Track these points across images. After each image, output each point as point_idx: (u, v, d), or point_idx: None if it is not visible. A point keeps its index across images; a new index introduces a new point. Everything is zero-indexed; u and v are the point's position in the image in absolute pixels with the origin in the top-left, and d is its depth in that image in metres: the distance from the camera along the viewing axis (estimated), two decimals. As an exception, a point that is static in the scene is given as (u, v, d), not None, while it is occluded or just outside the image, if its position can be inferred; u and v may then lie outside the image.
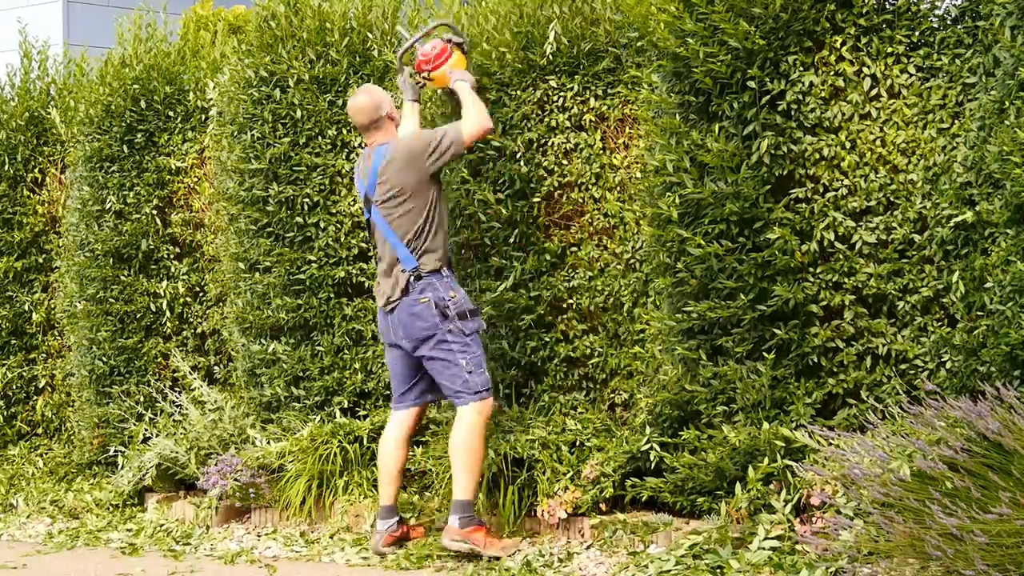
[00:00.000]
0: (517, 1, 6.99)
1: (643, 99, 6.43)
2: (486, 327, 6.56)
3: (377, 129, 6.59)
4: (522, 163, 6.95)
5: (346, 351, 7.70)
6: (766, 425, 5.81)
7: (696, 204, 6.00)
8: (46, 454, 9.24)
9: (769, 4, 5.83)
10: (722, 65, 5.86)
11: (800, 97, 5.86)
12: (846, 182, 5.86)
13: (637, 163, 6.70)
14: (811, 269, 5.90)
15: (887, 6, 5.85)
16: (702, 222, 5.99)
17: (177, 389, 8.46)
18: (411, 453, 7.13)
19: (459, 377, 6.30)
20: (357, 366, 7.67)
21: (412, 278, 6.38)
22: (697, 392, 6.08)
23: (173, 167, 8.62)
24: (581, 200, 6.92)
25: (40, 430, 9.49)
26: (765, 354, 5.91)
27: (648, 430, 6.31)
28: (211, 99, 8.29)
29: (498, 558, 6.20)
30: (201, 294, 8.62)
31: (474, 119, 6.42)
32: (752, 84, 5.86)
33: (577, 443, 6.56)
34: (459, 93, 6.58)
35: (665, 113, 6.17)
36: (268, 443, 7.52)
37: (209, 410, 8.08)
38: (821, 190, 5.90)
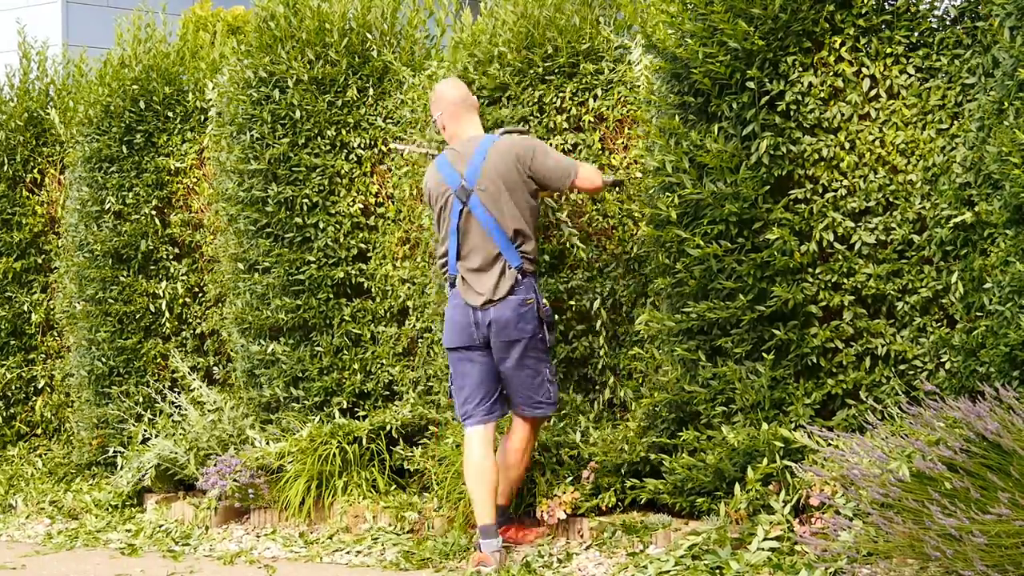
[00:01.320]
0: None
1: (642, 99, 6.43)
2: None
3: (471, 117, 6.35)
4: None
5: (345, 352, 7.70)
6: (765, 426, 5.81)
7: (695, 205, 6.00)
8: (45, 455, 9.24)
9: (768, 5, 5.83)
10: (721, 66, 5.86)
11: (799, 98, 5.87)
12: (845, 183, 5.86)
13: (636, 163, 6.70)
14: (810, 270, 5.90)
15: (886, 7, 5.85)
16: (701, 223, 5.99)
17: (176, 390, 8.46)
18: (410, 454, 7.13)
19: (543, 387, 6.17)
20: (356, 367, 7.67)
21: (519, 276, 6.13)
22: (696, 393, 6.08)
23: (172, 168, 8.62)
24: (580, 201, 6.92)
25: (39, 431, 9.49)
26: (764, 355, 5.90)
27: (647, 432, 6.31)
28: (210, 100, 8.30)
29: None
30: (200, 295, 8.62)
31: (590, 173, 6.27)
32: (751, 85, 5.86)
33: (576, 445, 6.56)
34: None
35: (664, 114, 6.17)
36: (267, 444, 7.53)
37: (208, 411, 8.08)
38: (820, 191, 5.90)
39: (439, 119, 6.38)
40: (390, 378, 7.70)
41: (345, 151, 7.76)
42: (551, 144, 6.94)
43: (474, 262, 6.15)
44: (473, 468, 6.09)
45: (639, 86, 6.61)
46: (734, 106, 5.90)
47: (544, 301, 6.18)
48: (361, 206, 7.75)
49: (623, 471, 6.33)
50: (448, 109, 6.35)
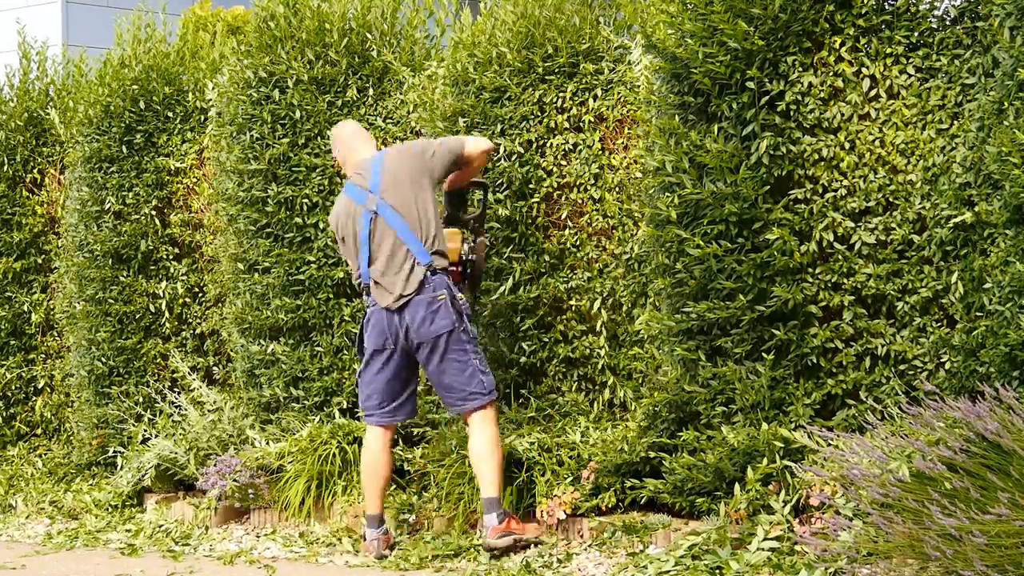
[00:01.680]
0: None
1: (642, 99, 6.43)
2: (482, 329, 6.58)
3: (365, 144, 6.66)
4: (518, 164, 6.96)
5: (345, 352, 7.70)
6: (765, 426, 5.81)
7: (695, 205, 6.00)
8: (45, 455, 9.24)
9: (768, 5, 5.83)
10: (721, 66, 5.86)
11: (799, 98, 5.86)
12: (845, 183, 5.85)
13: (636, 163, 6.70)
14: (810, 270, 5.89)
15: (886, 7, 5.85)
16: (701, 223, 5.99)
17: (176, 390, 8.46)
18: (410, 455, 7.13)
19: (475, 377, 6.26)
20: (356, 367, 7.66)
21: (428, 273, 6.27)
22: (696, 393, 6.08)
23: (172, 168, 8.62)
24: (580, 201, 6.92)
25: (39, 431, 9.49)
26: (764, 355, 5.90)
27: (647, 432, 6.31)
28: (210, 100, 8.30)
29: (541, 542, 6.29)
30: (200, 295, 8.62)
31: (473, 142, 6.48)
32: (751, 85, 5.86)
33: (576, 445, 6.56)
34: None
35: (664, 114, 6.17)
36: (267, 444, 7.53)
37: (208, 411, 8.08)
38: (820, 191, 5.90)
39: (338, 157, 6.73)
40: (390, 378, 7.69)
41: (345, 151, 7.76)
42: (550, 145, 6.95)
43: (381, 264, 6.35)
44: (366, 464, 6.53)
45: (639, 86, 6.61)
46: (734, 106, 5.90)
47: (460, 295, 6.29)
48: (361, 206, 7.74)
49: (623, 471, 6.33)
50: (344, 144, 6.68)
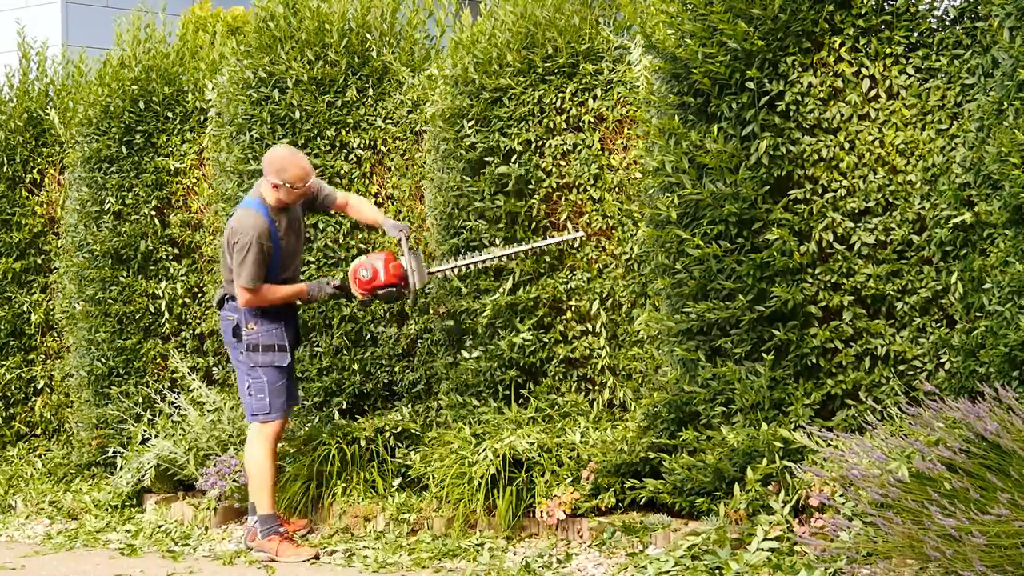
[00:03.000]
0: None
1: (642, 99, 6.43)
2: (284, 363, 6.82)
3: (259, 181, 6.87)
4: (518, 164, 6.96)
5: (345, 352, 7.70)
6: (764, 426, 5.81)
7: (695, 205, 6.00)
8: (45, 455, 9.23)
9: (768, 5, 5.83)
10: (720, 66, 5.86)
11: (799, 98, 5.86)
12: (845, 183, 5.85)
13: (635, 164, 6.70)
14: (810, 270, 5.89)
15: (886, 7, 5.85)
16: (701, 223, 5.99)
17: (176, 390, 8.45)
18: (410, 461, 7.12)
19: (243, 395, 6.89)
20: (356, 367, 7.67)
21: (227, 297, 6.90)
22: (696, 393, 6.08)
23: (172, 168, 8.62)
24: (579, 201, 6.92)
25: (39, 431, 9.49)
26: (764, 355, 5.90)
27: (647, 432, 6.31)
28: (210, 100, 8.29)
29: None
30: (200, 295, 8.62)
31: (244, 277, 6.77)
32: (751, 85, 5.86)
33: (576, 446, 6.56)
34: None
35: (664, 114, 6.17)
36: (267, 444, 7.52)
37: (208, 411, 8.08)
38: (820, 191, 5.90)
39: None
40: (389, 379, 7.70)
41: (345, 152, 7.77)
42: (550, 145, 6.94)
43: None
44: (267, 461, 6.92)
45: (639, 86, 6.61)
46: (733, 106, 5.90)
47: (251, 325, 6.80)
48: (361, 206, 7.74)
49: (622, 471, 6.33)
50: (305, 179, 6.78)
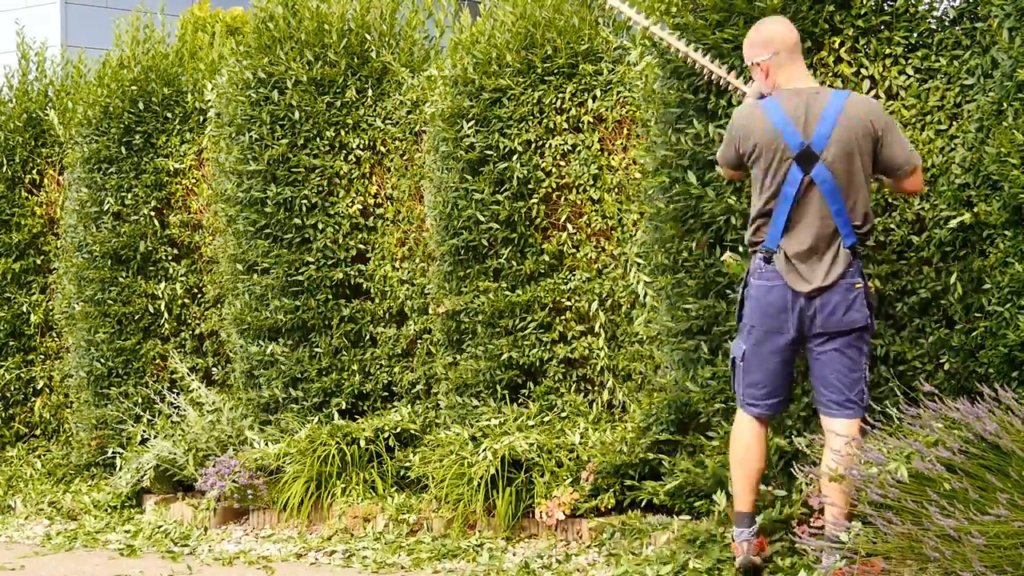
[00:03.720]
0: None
1: (642, 98, 6.43)
2: None
3: (802, 64, 5.39)
4: (519, 164, 6.96)
5: (344, 352, 7.70)
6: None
7: (695, 202, 6.00)
8: (44, 455, 9.23)
9: (768, 4, 5.82)
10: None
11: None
12: (844, 183, 5.84)
13: (635, 164, 6.70)
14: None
15: (885, 8, 5.85)
16: (700, 220, 5.98)
17: (175, 391, 8.45)
18: (409, 462, 7.11)
19: (858, 384, 5.30)
20: (355, 367, 7.67)
21: (852, 258, 5.26)
22: (695, 392, 6.08)
23: (171, 168, 8.62)
24: (579, 201, 6.92)
25: (38, 431, 9.49)
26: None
27: (646, 433, 6.31)
28: (209, 100, 8.29)
29: None
30: (199, 295, 8.62)
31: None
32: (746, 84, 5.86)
33: (575, 446, 6.56)
34: None
35: (664, 112, 6.16)
36: (266, 444, 7.52)
37: (207, 411, 8.08)
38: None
39: (764, 59, 5.33)
40: (389, 379, 7.70)
41: (344, 152, 7.77)
42: (550, 146, 6.95)
43: (801, 241, 5.27)
44: (740, 458, 5.52)
45: (639, 86, 6.61)
46: (732, 104, 5.89)
47: (870, 285, 5.45)
48: (360, 207, 7.75)
49: (622, 472, 6.33)
50: (786, 50, 5.33)
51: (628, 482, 6.28)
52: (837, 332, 5.26)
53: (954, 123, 5.66)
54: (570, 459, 6.51)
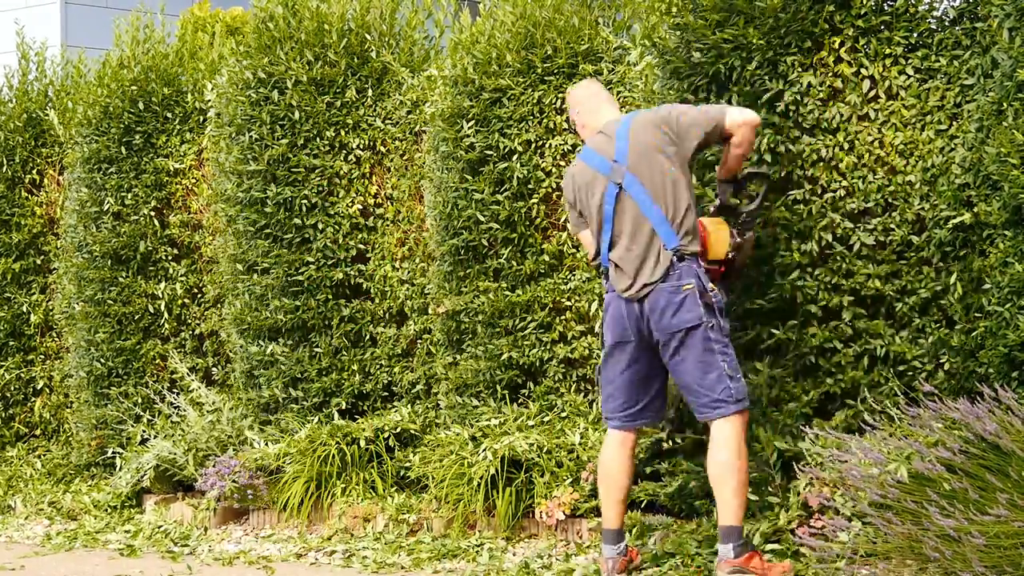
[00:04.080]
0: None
1: (642, 97, 6.43)
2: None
3: (608, 106, 5.78)
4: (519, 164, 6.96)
5: (344, 352, 7.70)
6: (763, 432, 5.81)
7: (695, 200, 5.99)
8: (44, 455, 9.23)
9: (768, 4, 5.82)
10: (721, 64, 5.86)
11: (798, 97, 5.86)
12: (844, 183, 5.85)
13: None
14: (810, 270, 5.89)
15: (885, 7, 5.85)
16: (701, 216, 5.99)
17: (175, 391, 8.45)
18: (409, 462, 7.12)
19: (721, 383, 5.38)
20: (355, 367, 7.67)
21: (675, 259, 5.44)
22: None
23: (171, 168, 8.62)
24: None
25: (38, 431, 9.49)
26: (763, 353, 5.90)
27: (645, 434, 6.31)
28: (209, 100, 8.29)
29: None
30: (199, 295, 8.62)
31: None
32: (751, 83, 5.85)
33: (575, 447, 6.55)
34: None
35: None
36: (266, 444, 7.52)
37: (207, 411, 8.08)
38: (819, 191, 5.89)
39: (576, 119, 5.84)
40: (389, 379, 7.70)
41: (344, 152, 7.77)
42: (550, 146, 6.95)
43: (624, 247, 5.53)
44: (603, 473, 5.70)
45: (639, 86, 6.61)
46: (733, 103, 5.89)
47: (711, 285, 5.45)
48: (360, 207, 7.75)
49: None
50: (584, 105, 5.79)
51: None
52: (673, 335, 5.43)
53: (954, 123, 5.66)
54: (570, 459, 6.51)
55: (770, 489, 5.74)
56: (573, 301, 6.92)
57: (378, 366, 7.70)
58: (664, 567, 5.68)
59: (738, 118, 5.45)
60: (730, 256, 5.69)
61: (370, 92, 7.77)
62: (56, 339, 9.41)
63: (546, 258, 6.96)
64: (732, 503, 5.32)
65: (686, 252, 5.45)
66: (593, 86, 5.88)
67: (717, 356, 5.39)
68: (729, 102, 5.89)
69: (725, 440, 5.37)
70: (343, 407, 7.66)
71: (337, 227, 7.70)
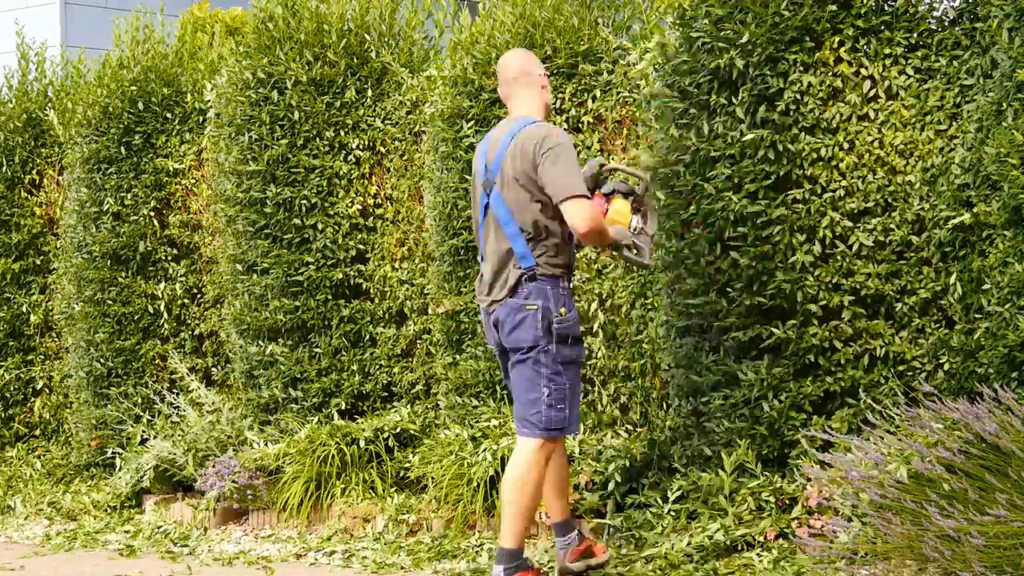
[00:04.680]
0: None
1: (643, 97, 6.43)
2: (583, 358, 5.59)
3: (524, 89, 5.56)
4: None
5: (344, 352, 7.70)
6: (763, 432, 5.81)
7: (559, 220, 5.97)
8: (44, 456, 9.23)
9: (771, 2, 5.82)
10: (723, 61, 5.86)
11: (798, 97, 5.86)
12: (844, 183, 5.85)
13: (635, 164, 6.69)
14: (809, 269, 5.89)
15: (885, 8, 5.85)
16: (701, 216, 5.99)
17: (175, 391, 8.45)
18: (409, 463, 7.11)
19: (535, 406, 5.39)
20: (355, 368, 7.67)
21: (524, 278, 5.41)
22: (696, 383, 6.08)
23: (171, 169, 8.62)
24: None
25: (38, 432, 9.49)
26: (763, 353, 5.90)
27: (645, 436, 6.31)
28: (209, 101, 8.29)
29: None
30: (199, 296, 8.62)
31: (581, 218, 5.28)
32: (752, 81, 5.86)
33: (575, 447, 6.55)
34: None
35: (666, 110, 6.16)
36: (266, 445, 7.52)
37: (207, 412, 8.08)
38: (819, 191, 5.89)
39: (500, 87, 5.69)
40: (388, 380, 7.70)
41: (344, 152, 7.76)
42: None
43: (488, 259, 5.54)
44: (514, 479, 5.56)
45: (639, 86, 6.61)
46: (733, 101, 5.89)
47: (563, 310, 5.38)
48: (360, 207, 7.75)
49: (623, 475, 6.32)
50: (505, 83, 5.63)
51: (632, 484, 6.28)
52: (512, 350, 5.44)
53: (954, 123, 5.66)
54: (570, 459, 6.51)
55: (770, 490, 5.74)
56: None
57: (378, 366, 7.70)
58: None
59: (572, 219, 5.27)
60: (637, 230, 5.55)
61: (370, 92, 7.77)
62: (56, 339, 9.41)
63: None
64: (508, 524, 5.40)
65: (541, 273, 5.40)
66: (517, 65, 5.58)
67: (542, 380, 5.38)
68: (730, 100, 5.88)
69: (518, 460, 5.43)
70: (343, 407, 7.66)
71: (337, 227, 7.70)
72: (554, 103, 6.93)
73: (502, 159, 5.45)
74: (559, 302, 5.40)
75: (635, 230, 5.56)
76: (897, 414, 5.44)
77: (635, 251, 5.53)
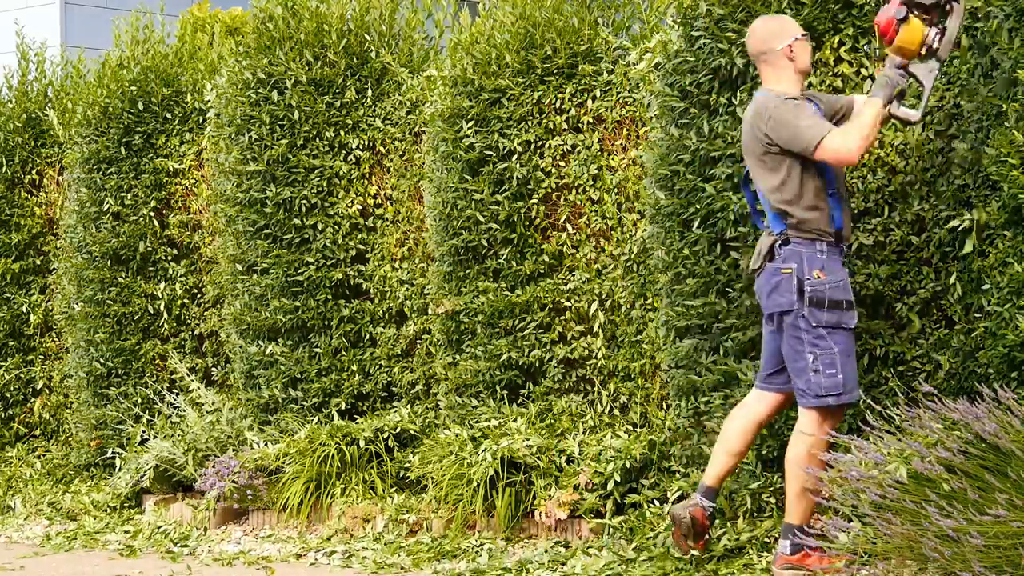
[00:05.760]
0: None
1: (643, 96, 6.43)
2: (853, 325, 5.37)
3: (764, 64, 5.47)
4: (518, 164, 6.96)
5: (344, 353, 7.70)
6: (764, 432, 5.81)
7: (698, 196, 6.00)
8: (44, 456, 9.23)
9: (773, 2, 5.82)
10: (723, 61, 5.86)
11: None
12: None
13: (635, 164, 6.69)
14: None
15: (885, 7, 5.84)
16: (701, 215, 5.99)
17: (175, 391, 8.45)
18: (408, 463, 7.11)
19: (804, 374, 5.30)
20: (355, 368, 7.67)
21: (778, 243, 5.38)
22: (696, 382, 6.08)
23: (171, 169, 8.62)
24: (578, 202, 6.92)
25: (38, 432, 9.49)
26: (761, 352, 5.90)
27: (644, 436, 6.31)
28: (209, 101, 8.29)
29: None
30: (199, 296, 8.62)
31: (845, 138, 5.24)
32: (752, 81, 5.86)
33: (575, 447, 6.55)
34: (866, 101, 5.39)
35: (667, 109, 6.16)
36: (266, 445, 7.52)
37: (207, 412, 8.08)
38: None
39: (794, 48, 5.46)
40: (388, 380, 7.70)
41: (344, 152, 7.77)
42: (549, 146, 6.93)
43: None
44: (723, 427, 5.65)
45: (639, 86, 6.61)
46: (734, 100, 5.89)
47: (818, 273, 5.29)
48: (359, 207, 7.75)
49: (623, 475, 6.32)
50: (753, 51, 5.52)
51: (631, 484, 6.28)
52: (771, 315, 5.42)
53: (954, 123, 5.66)
54: (570, 459, 6.51)
55: (770, 490, 5.73)
56: (572, 301, 6.92)
57: (378, 366, 7.70)
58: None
59: (831, 155, 5.25)
60: (931, 46, 5.33)
61: (369, 92, 7.77)
62: (56, 339, 9.41)
63: (545, 258, 6.96)
64: (788, 502, 5.34)
65: (795, 236, 5.34)
66: (762, 32, 5.46)
67: (804, 347, 5.30)
68: (731, 99, 5.88)
69: (792, 437, 5.37)
70: (343, 407, 7.66)
71: (337, 227, 7.70)
72: (554, 103, 6.93)
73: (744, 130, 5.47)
74: (813, 265, 5.33)
75: (927, 48, 5.32)
76: (897, 414, 5.43)
77: (908, 100, 5.37)
